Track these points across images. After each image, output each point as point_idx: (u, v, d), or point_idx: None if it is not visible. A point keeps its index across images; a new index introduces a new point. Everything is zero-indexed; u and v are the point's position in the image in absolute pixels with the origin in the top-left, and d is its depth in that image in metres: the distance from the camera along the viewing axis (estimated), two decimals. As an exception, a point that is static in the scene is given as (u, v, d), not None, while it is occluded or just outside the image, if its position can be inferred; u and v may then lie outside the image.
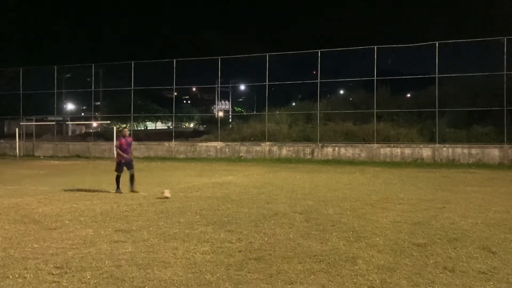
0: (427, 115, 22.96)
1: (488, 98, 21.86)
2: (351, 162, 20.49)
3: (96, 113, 35.61)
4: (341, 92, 35.77)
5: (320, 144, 22.04)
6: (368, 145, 21.44)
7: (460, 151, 19.86)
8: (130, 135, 11.66)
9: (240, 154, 23.13)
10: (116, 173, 11.10)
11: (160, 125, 61.59)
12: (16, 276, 4.69)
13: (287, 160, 21.66)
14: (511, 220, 7.41)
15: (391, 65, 28.96)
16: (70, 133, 41.40)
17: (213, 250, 5.63)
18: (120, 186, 10.95)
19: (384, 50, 22.26)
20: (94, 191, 11.25)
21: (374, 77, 22.12)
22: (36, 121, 31.41)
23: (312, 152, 22.02)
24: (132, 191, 10.88)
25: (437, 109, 20.90)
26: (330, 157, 21.65)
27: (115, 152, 11.43)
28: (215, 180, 13.68)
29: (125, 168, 11.13)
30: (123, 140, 11.14)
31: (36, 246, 5.87)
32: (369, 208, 8.60)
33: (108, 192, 10.99)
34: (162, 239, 6.21)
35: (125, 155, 11.02)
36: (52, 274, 4.76)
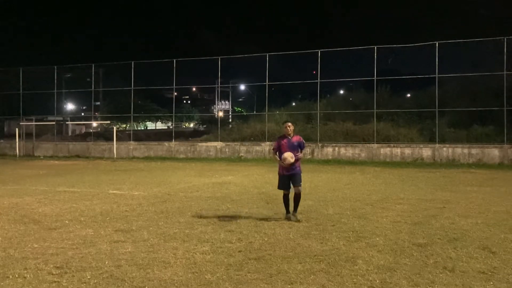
0: (427, 115, 22.96)
1: (488, 98, 21.86)
2: (351, 162, 20.48)
3: (96, 113, 35.60)
4: (341, 92, 35.79)
5: (320, 144, 22.03)
6: (368, 145, 21.43)
7: (460, 151, 19.85)
8: (293, 131, 7.62)
9: (240, 154, 23.12)
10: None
11: (160, 125, 61.61)
12: (16, 276, 4.69)
13: (287, 160, 21.61)
14: (511, 220, 7.41)
15: (391, 65, 29.00)
16: (70, 133, 41.38)
17: (213, 250, 5.63)
18: (289, 210, 7.53)
19: (384, 50, 22.26)
20: (94, 191, 11.26)
21: (374, 77, 22.12)
22: (36, 121, 31.42)
23: (312, 152, 22.01)
24: (293, 217, 7.39)
25: (437, 109, 20.89)
26: (330, 157, 21.64)
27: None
28: (215, 180, 13.68)
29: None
30: (284, 141, 7.48)
31: (36, 246, 5.87)
32: (369, 208, 8.60)
33: (110, 193, 10.98)
34: (162, 239, 6.21)
35: (284, 163, 7.34)
36: (52, 274, 4.76)
